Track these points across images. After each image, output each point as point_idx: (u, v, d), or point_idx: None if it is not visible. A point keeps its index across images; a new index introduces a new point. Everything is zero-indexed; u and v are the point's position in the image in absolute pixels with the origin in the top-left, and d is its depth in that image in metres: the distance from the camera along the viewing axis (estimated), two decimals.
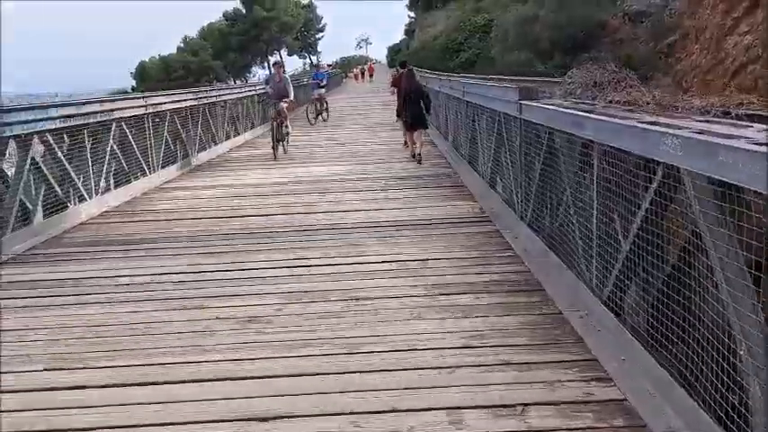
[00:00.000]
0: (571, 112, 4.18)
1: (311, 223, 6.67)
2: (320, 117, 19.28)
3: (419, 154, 10.69)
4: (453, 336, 3.66)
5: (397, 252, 5.46)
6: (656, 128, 3.03)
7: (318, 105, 19.42)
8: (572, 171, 4.34)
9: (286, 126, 12.79)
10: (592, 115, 3.86)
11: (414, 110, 10.94)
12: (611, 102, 5.21)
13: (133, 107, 9.76)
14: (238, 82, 65.51)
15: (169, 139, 11.00)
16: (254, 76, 72.58)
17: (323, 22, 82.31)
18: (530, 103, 5.44)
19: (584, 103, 5.09)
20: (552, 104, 5.02)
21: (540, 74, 34.45)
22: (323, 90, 19.98)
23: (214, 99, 13.95)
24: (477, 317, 3.93)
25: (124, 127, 9.15)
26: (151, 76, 67.03)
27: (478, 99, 8.19)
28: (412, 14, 73.99)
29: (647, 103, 4.21)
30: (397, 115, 11.55)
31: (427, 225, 6.36)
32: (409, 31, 69.57)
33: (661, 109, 4.16)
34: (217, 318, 4.13)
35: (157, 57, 71.05)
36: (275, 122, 12.52)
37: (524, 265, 4.91)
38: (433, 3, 65.86)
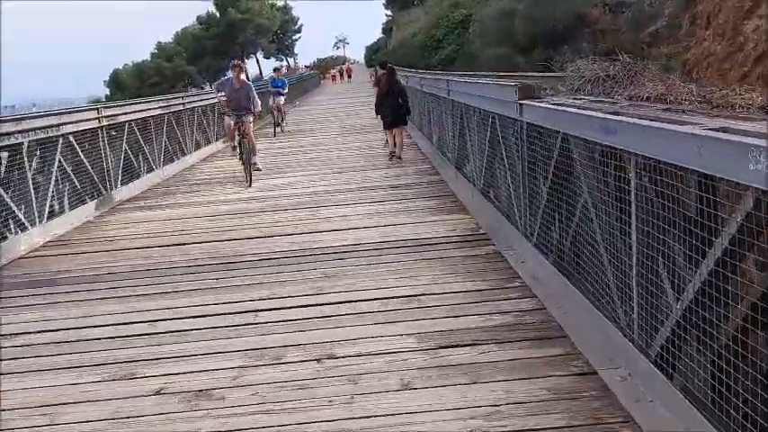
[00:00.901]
0: (595, 114, 3.31)
1: (278, 249, 5.74)
2: (278, 128, 17.19)
3: (399, 153, 10.74)
4: (459, 415, 2.78)
5: (380, 285, 4.58)
6: (736, 138, 2.16)
7: (277, 115, 17.47)
8: (597, 187, 3.47)
9: (251, 149, 9.82)
10: (626, 118, 2.99)
11: (394, 108, 10.81)
12: (631, 98, 4.38)
13: (85, 120, 8.79)
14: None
15: (130, 153, 10.04)
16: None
17: (299, 23, 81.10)
18: (533, 103, 4.58)
19: (600, 101, 4.24)
20: (562, 103, 4.16)
21: (521, 68, 33.94)
22: (282, 99, 17.80)
23: (181, 107, 12.96)
24: (487, 382, 3.06)
25: (73, 142, 8.20)
26: (126, 84, 65.54)
27: (467, 98, 7.32)
28: (389, 13, 73.21)
29: (689, 101, 3.38)
30: (376, 113, 11.42)
31: (415, 246, 5.48)
32: (387, 30, 68.72)
33: (709, 107, 3.33)
34: (155, 393, 3.22)
35: (131, 64, 69.52)
36: (239, 141, 9.81)
37: (537, 300, 4.04)
38: (410, 0, 65.11)
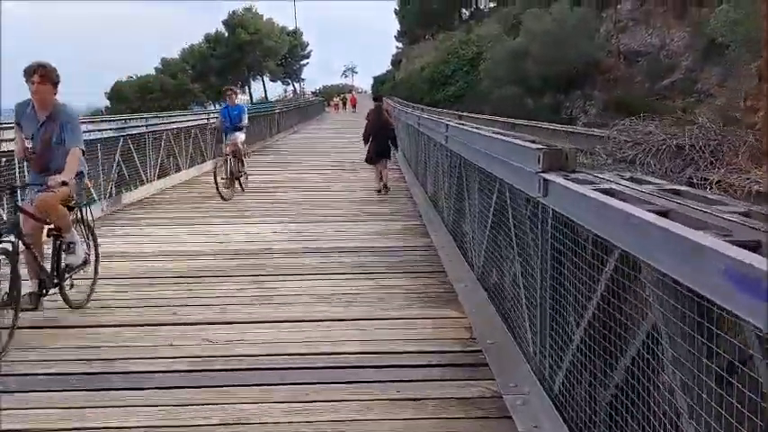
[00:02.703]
0: (719, 249, 1.61)
1: (226, 366, 3.95)
2: (237, 183, 10.97)
3: (386, 182, 11.22)
4: None
5: None
6: None
7: (233, 162, 10.72)
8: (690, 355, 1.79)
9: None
10: None
11: (378, 144, 11.31)
12: (726, 190, 2.73)
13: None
14: (217, 105, 63.05)
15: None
16: None
17: (308, 49, 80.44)
18: (565, 182, 2.93)
19: (676, 190, 2.58)
20: (620, 193, 2.51)
21: (531, 111, 32.61)
22: (241, 135, 11.28)
23: (143, 129, 11.35)
24: None
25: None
26: (126, 97, 64.51)
27: (467, 151, 5.70)
28: (399, 45, 72.77)
29: None
30: (364, 139, 11.86)
31: (387, 370, 3.75)
32: (396, 62, 68.07)
33: None
34: None
35: (135, 77, 68.59)
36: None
37: None
38: (422, 34, 64.48)
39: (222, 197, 10.05)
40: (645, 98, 33.31)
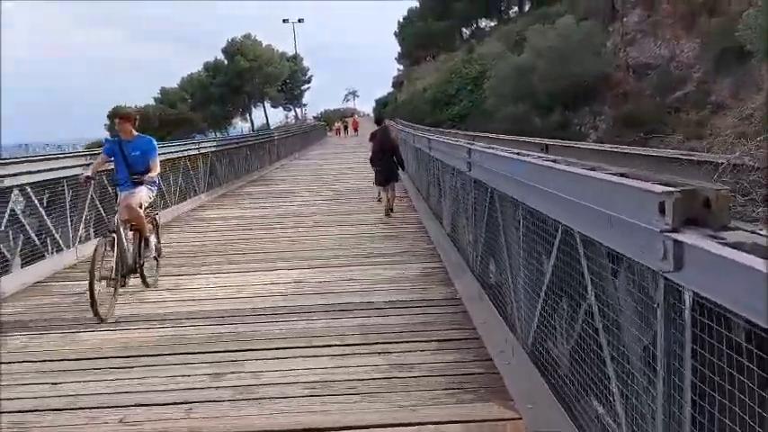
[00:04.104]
0: None
1: None
2: (141, 278, 6.41)
3: (392, 205, 11.09)
4: None
5: None
6: None
7: (127, 243, 6.08)
8: None
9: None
10: None
11: (386, 166, 11.27)
12: None
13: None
14: (218, 134, 62.26)
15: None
16: (234, 128, 69.51)
17: (309, 74, 79.80)
18: (716, 248, 1.64)
19: None
20: None
21: (538, 129, 31.43)
22: (142, 192, 6.30)
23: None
24: None
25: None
26: None
27: (504, 184, 4.41)
28: (400, 67, 72.23)
29: None
30: (371, 163, 11.88)
31: None
32: (397, 84, 67.38)
33: None
34: None
35: (134, 107, 67.92)
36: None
37: None
38: (423, 55, 63.77)
39: (97, 315, 5.29)
40: (656, 112, 32.16)
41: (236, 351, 4.48)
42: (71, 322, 5.38)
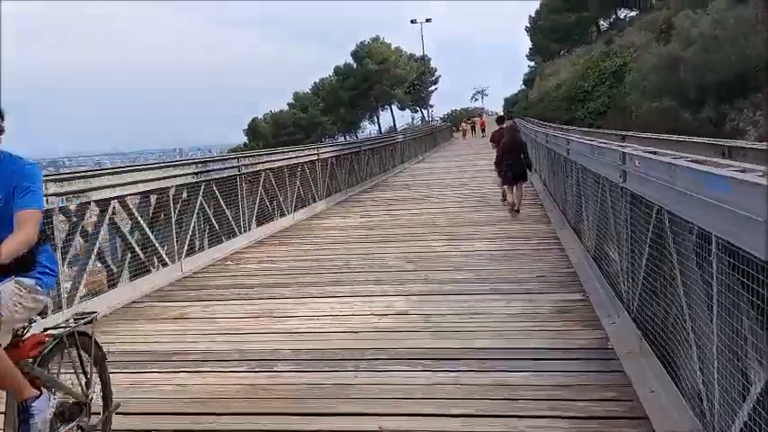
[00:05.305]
0: None
1: None
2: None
3: (519, 206, 10.80)
4: None
5: None
6: None
7: None
8: None
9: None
10: None
11: (515, 165, 11.01)
12: None
13: None
14: (347, 137, 63.19)
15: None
16: (362, 132, 70.22)
17: (437, 74, 78.81)
18: None
19: None
20: None
21: (688, 125, 28.21)
22: (7, 289, 2.51)
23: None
24: None
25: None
26: (262, 134, 66.48)
27: (686, 206, 3.06)
28: (532, 63, 69.32)
29: None
30: (496, 165, 11.69)
31: None
32: (528, 81, 64.59)
33: None
34: None
35: (270, 113, 70.73)
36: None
37: None
38: (556, 50, 60.64)
39: None
40: None
41: (316, 417, 3.50)
42: None
